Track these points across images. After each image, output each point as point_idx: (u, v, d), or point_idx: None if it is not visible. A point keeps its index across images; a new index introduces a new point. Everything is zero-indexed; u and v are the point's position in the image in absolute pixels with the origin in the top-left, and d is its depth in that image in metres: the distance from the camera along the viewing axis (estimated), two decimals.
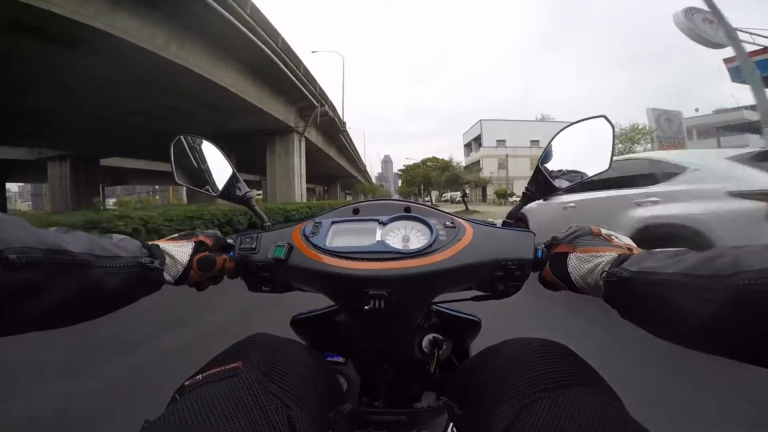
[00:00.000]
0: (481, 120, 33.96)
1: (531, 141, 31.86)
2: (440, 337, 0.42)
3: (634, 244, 0.31)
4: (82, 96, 6.80)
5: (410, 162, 33.43)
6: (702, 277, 0.20)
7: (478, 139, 35.43)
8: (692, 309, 0.20)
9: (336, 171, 28.04)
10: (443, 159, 26.59)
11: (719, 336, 0.19)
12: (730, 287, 0.18)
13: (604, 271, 0.28)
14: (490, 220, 0.44)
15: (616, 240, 0.31)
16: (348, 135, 19.17)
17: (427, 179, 27.70)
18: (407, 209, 0.41)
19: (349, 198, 41.56)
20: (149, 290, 0.29)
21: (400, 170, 33.60)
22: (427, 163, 28.82)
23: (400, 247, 0.36)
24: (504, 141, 32.02)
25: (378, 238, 0.37)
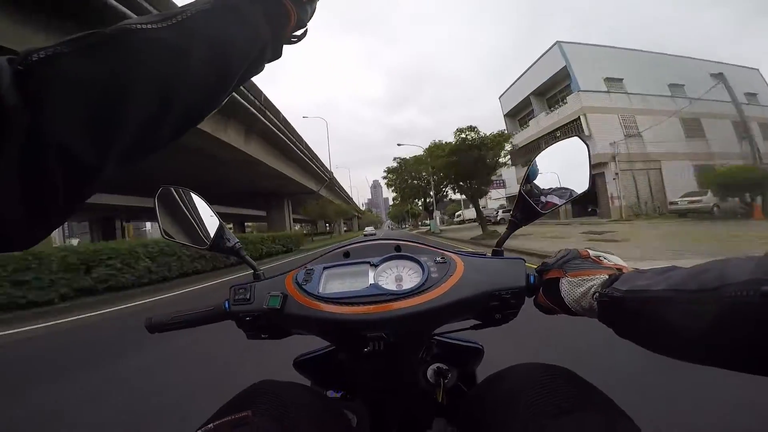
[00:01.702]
0: (559, 42, 24.86)
1: (671, 86, 24.98)
2: (444, 366, 0.66)
3: (624, 263, 0.49)
4: None
5: (406, 152, 28.33)
6: (690, 291, 0.32)
7: (556, 84, 26.05)
8: (683, 323, 0.32)
9: (264, 180, 24.35)
10: (475, 128, 17.70)
11: (711, 347, 0.31)
12: (718, 300, 0.29)
13: (596, 293, 0.44)
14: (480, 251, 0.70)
15: (605, 261, 0.49)
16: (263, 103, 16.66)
17: (465, 167, 17.42)
18: (398, 248, 0.67)
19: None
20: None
21: (387, 171, 28.94)
22: (436, 155, 19.52)
23: (394, 288, 0.59)
24: (621, 81, 24.08)
25: (371, 280, 0.61)
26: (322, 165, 33.93)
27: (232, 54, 0.36)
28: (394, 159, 28.34)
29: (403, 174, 27.35)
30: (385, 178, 29.13)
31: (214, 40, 0.34)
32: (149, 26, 0.30)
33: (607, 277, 0.45)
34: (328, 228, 70.03)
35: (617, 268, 0.47)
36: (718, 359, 0.31)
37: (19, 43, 6.91)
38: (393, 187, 29.39)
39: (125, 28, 0.29)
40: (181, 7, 0.34)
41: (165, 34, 0.31)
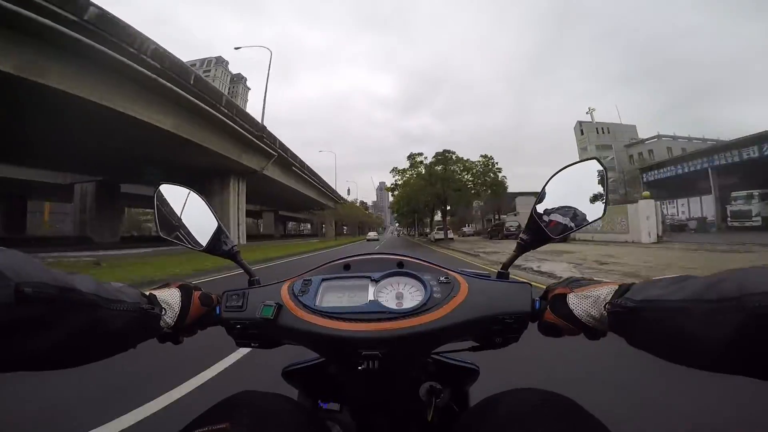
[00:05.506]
0: None
1: None
2: (438, 385, 0.64)
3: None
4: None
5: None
6: (710, 301, 0.32)
7: None
8: (705, 333, 0.32)
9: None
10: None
11: (734, 356, 0.31)
12: (741, 309, 0.30)
13: (607, 303, 0.45)
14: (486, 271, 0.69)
15: (610, 280, 0.50)
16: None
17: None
18: (400, 264, 0.65)
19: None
20: (146, 336, 0.49)
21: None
22: None
23: (394, 306, 0.58)
24: None
25: (371, 296, 0.60)
26: (261, 127, 24.58)
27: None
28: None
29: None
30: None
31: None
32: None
33: (617, 287, 0.46)
34: None
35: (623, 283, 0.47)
36: (742, 368, 0.31)
37: None
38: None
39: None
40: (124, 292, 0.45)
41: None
